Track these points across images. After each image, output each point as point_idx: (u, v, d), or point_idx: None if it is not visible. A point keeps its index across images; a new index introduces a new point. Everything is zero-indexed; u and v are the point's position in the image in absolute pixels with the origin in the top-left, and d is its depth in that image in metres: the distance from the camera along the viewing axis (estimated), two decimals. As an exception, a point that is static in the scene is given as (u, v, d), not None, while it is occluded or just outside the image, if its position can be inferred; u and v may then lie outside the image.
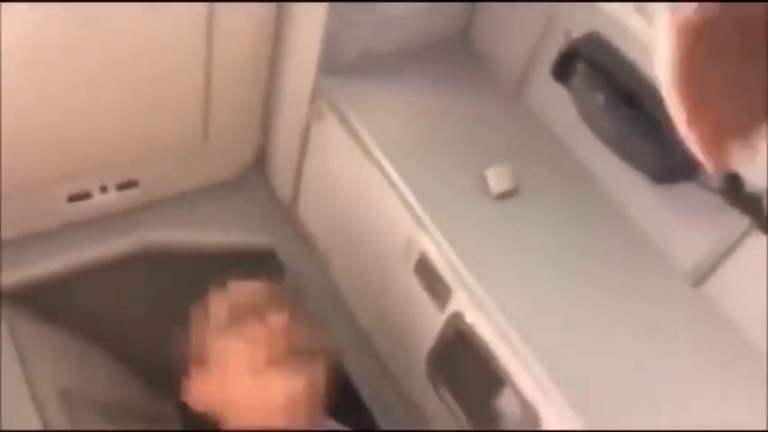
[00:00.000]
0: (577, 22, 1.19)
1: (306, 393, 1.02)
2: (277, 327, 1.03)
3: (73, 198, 1.46)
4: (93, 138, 1.36)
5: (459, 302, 1.17)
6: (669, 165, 1.07)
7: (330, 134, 1.38)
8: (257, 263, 1.61)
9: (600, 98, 1.11)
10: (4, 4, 1.04)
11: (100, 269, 1.51)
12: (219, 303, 1.07)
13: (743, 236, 1.06)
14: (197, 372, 1.06)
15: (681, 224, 1.15)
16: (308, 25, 1.31)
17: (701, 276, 1.14)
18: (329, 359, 1.08)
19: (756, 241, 1.04)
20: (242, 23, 1.34)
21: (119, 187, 1.50)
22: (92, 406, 1.42)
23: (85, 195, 1.47)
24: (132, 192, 1.52)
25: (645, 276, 1.17)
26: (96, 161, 1.43)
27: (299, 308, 1.08)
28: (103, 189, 1.48)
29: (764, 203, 1.00)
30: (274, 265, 1.61)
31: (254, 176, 1.66)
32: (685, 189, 1.08)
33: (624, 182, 1.20)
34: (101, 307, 1.55)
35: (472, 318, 1.15)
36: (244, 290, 1.09)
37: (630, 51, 1.11)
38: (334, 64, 1.34)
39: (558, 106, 1.25)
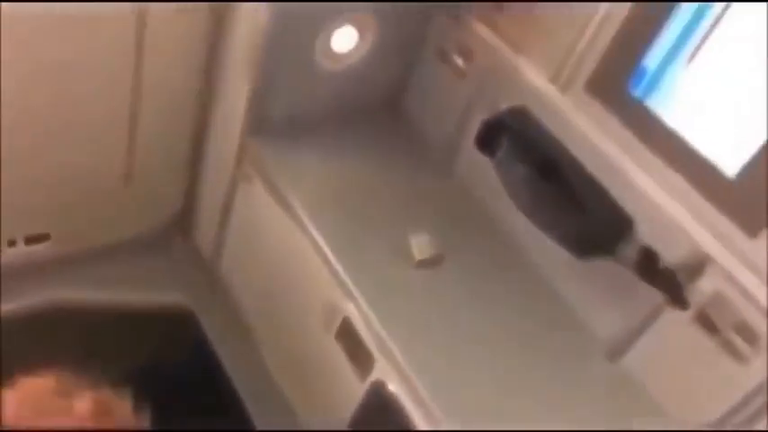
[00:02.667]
0: (503, 98, 1.22)
1: None
2: (85, 414, 0.95)
3: (-23, 252, 1.38)
4: (5, 179, 1.29)
5: (382, 370, 1.15)
6: (587, 238, 1.10)
7: (256, 195, 1.36)
8: (174, 324, 1.55)
9: (521, 169, 1.13)
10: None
11: (5, 327, 1.42)
12: (11, 399, 0.97)
13: (657, 311, 1.08)
14: None
15: (599, 297, 1.17)
16: (237, 83, 1.30)
17: (618, 350, 1.15)
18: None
19: (671, 316, 1.06)
20: (170, 68, 1.32)
21: (28, 241, 1.43)
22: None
23: (-8, 249, 1.39)
24: (43, 246, 1.45)
25: (563, 350, 1.17)
26: (6, 209, 1.35)
27: (100, 388, 1.00)
28: (12, 243, 1.41)
29: (678, 279, 1.03)
30: (193, 327, 1.56)
31: (176, 234, 1.62)
32: (606, 263, 1.10)
33: (546, 254, 1.21)
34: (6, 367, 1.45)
35: (395, 387, 1.13)
36: (34, 384, 0.99)
37: (552, 125, 1.15)
38: (263, 124, 1.33)
39: (485, 176, 1.26)
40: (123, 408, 0.97)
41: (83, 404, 0.92)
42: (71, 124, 1.29)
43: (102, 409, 0.94)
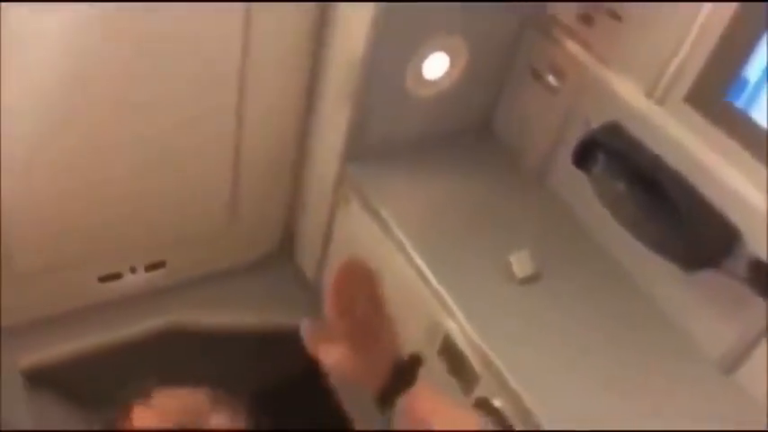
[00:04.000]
0: (597, 113, 1.22)
1: None
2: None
3: (103, 279, 1.49)
4: (126, 220, 1.41)
5: (486, 387, 1.16)
6: (692, 251, 1.08)
7: (355, 219, 1.41)
8: (282, 345, 1.61)
9: (620, 186, 1.13)
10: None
11: (127, 349, 1.53)
12: (144, 416, 0.98)
13: (770, 323, 1.06)
14: None
15: (708, 312, 1.14)
16: (335, 113, 1.36)
17: (731, 365, 1.13)
18: None
19: (784, 328, 1.04)
20: (272, 103, 1.39)
21: (147, 268, 1.53)
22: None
23: (116, 276, 1.50)
24: (160, 272, 1.55)
25: (674, 364, 1.16)
26: (127, 243, 1.46)
27: (234, 411, 1.02)
28: (133, 270, 1.51)
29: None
30: (300, 348, 1.61)
31: (281, 258, 1.69)
32: (712, 276, 1.09)
33: (648, 268, 1.20)
34: (124, 387, 1.55)
35: (500, 403, 1.14)
36: (171, 397, 1.01)
37: (648, 139, 1.14)
38: (360, 150, 1.39)
39: (580, 192, 1.27)
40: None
41: (218, 423, 0.95)
42: (178, 162, 1.38)
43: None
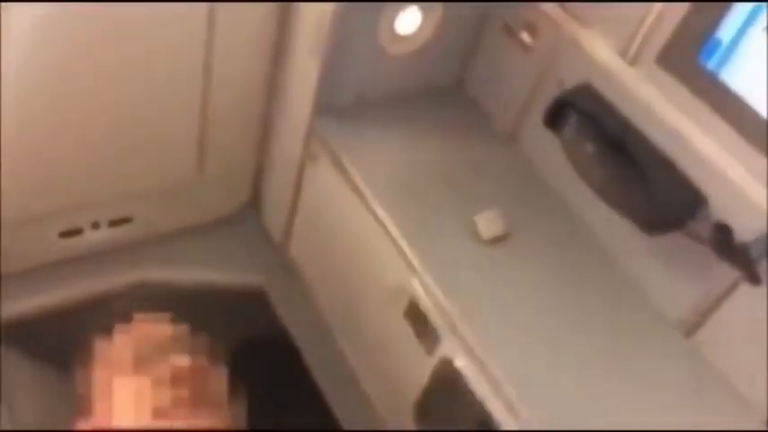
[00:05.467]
0: (570, 72, 1.21)
1: None
2: (182, 369, 1.00)
3: (64, 234, 1.46)
4: (88, 171, 1.37)
5: (448, 348, 1.17)
6: (657, 214, 1.08)
7: (323, 175, 1.39)
8: (246, 301, 1.61)
9: (590, 148, 1.12)
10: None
11: (90, 306, 1.51)
12: (124, 341, 1.04)
13: (732, 287, 1.06)
14: (99, 410, 1.02)
15: (671, 274, 1.15)
16: (305, 66, 1.33)
17: (692, 327, 1.14)
18: (232, 411, 1.05)
19: (745, 292, 1.04)
20: (240, 59, 1.35)
21: (111, 224, 1.50)
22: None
23: (77, 231, 1.47)
24: (125, 228, 1.53)
25: (636, 325, 1.17)
26: (89, 196, 1.43)
27: (201, 352, 1.06)
28: (95, 225, 1.48)
29: (753, 255, 1.01)
30: (263, 305, 1.61)
31: (248, 214, 1.67)
32: (675, 239, 1.09)
33: (615, 230, 1.20)
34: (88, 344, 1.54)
35: (461, 363, 1.14)
36: (149, 329, 1.06)
37: (619, 101, 1.13)
38: (330, 105, 1.36)
39: (551, 153, 1.26)
40: (219, 380, 1.02)
41: (182, 360, 0.98)
42: (144, 114, 1.34)
43: (199, 372, 1.00)
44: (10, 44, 1.11)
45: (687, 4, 1.04)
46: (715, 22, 1.01)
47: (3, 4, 1.05)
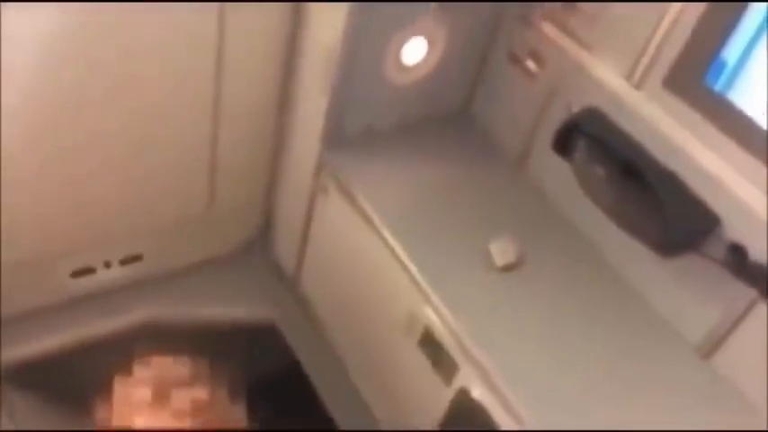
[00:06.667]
0: (576, 97, 1.21)
1: None
2: (202, 402, 1.02)
3: (76, 273, 1.46)
4: (99, 209, 1.37)
5: (466, 376, 1.15)
6: (671, 236, 1.08)
7: (334, 207, 1.39)
8: (258, 336, 1.60)
9: (600, 171, 1.13)
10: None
11: (103, 344, 1.50)
12: (143, 377, 1.06)
13: (749, 307, 1.05)
14: None
15: (686, 296, 1.14)
16: (313, 100, 1.34)
17: (710, 349, 1.12)
18: None
19: (763, 311, 1.03)
20: (249, 93, 1.37)
21: (122, 262, 1.50)
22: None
23: (89, 270, 1.47)
24: (136, 266, 1.53)
25: (654, 350, 1.15)
26: (101, 235, 1.43)
27: (220, 386, 1.08)
28: (107, 264, 1.48)
29: (769, 274, 1.00)
30: (275, 339, 1.60)
31: (258, 249, 1.67)
32: (689, 260, 1.08)
33: (627, 253, 1.20)
34: (102, 382, 1.53)
35: (479, 393, 1.13)
36: (167, 364, 1.09)
37: (628, 124, 1.14)
38: (339, 137, 1.37)
39: (559, 177, 1.26)
40: (237, 412, 1.03)
41: (200, 393, 0.99)
42: (155, 151, 1.35)
43: (218, 404, 1.02)
44: (20, 84, 1.12)
45: (691, 27, 1.05)
46: (720, 44, 1.02)
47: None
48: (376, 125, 1.40)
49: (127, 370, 1.42)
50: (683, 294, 1.15)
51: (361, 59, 1.27)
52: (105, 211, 1.38)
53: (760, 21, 0.98)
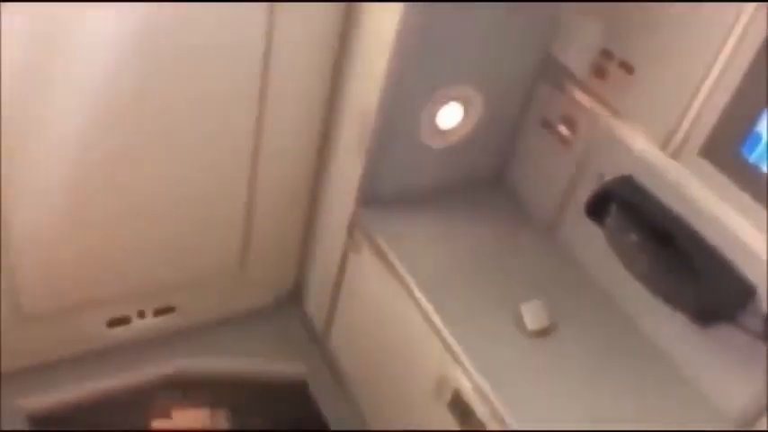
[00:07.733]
0: (609, 165, 1.22)
1: None
2: None
3: (112, 323, 1.48)
4: (135, 263, 1.41)
5: (496, 442, 1.14)
6: (707, 304, 1.07)
7: (366, 266, 1.41)
8: (286, 392, 1.60)
9: (633, 238, 1.13)
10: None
11: (133, 394, 1.51)
12: (163, 428, 1.05)
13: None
14: None
15: (722, 367, 1.12)
16: (348, 161, 1.37)
17: (747, 422, 1.10)
18: None
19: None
20: (286, 152, 1.41)
21: (156, 313, 1.53)
22: None
23: (124, 320, 1.49)
24: (168, 317, 1.55)
25: (690, 421, 1.13)
26: (136, 286, 1.46)
27: None
28: (141, 314, 1.51)
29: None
30: (305, 395, 1.59)
31: (290, 305, 1.68)
32: (725, 331, 1.07)
33: (661, 321, 1.19)
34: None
35: (509, 459, 1.11)
36: (189, 418, 1.08)
37: (662, 192, 1.14)
38: (373, 198, 1.39)
39: (592, 243, 1.26)
40: None
41: None
42: (192, 207, 1.39)
43: None
44: (61, 149, 1.15)
45: (728, 97, 1.06)
46: (756, 116, 1.03)
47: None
48: (410, 186, 1.42)
49: (148, 421, 1.42)
50: (719, 365, 1.13)
51: (398, 121, 1.30)
52: (142, 263, 1.42)
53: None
